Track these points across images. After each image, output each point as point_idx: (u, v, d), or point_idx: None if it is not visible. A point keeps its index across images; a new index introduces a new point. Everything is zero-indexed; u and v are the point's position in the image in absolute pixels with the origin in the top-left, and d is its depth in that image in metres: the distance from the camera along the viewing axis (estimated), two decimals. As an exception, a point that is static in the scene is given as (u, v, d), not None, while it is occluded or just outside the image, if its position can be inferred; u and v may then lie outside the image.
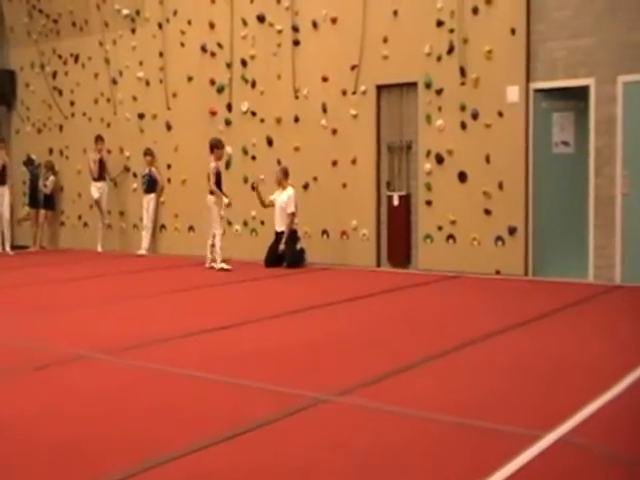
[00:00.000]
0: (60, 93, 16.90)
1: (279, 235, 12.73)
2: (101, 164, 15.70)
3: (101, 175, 15.74)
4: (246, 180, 13.80)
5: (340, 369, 5.90)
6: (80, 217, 16.68)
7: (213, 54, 14.34)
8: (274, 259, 12.69)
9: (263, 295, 10.11)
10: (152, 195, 15.17)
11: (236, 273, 11.98)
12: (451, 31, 11.68)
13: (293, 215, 12.56)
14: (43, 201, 16.67)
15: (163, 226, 15.28)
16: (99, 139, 15.72)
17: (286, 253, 12.59)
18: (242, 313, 8.42)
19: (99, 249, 15.81)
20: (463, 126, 11.64)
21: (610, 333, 7.23)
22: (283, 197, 12.71)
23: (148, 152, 15.09)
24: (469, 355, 6.31)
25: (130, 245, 15.69)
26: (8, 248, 16.01)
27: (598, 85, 10.60)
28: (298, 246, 12.72)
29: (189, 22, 14.62)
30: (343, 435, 4.40)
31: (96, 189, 15.68)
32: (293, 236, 12.68)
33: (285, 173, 12.80)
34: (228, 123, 14.16)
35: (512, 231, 11.21)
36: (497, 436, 4.33)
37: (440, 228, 11.87)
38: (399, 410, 4.78)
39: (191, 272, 12.55)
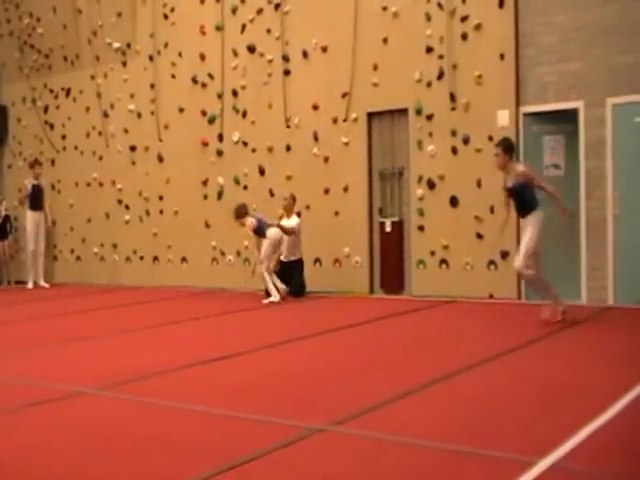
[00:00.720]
0: (52, 127, 16.93)
1: (284, 265, 12.69)
2: (39, 191, 15.57)
3: (39, 204, 15.65)
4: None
5: (336, 398, 5.84)
6: (73, 251, 16.63)
7: (204, 85, 14.40)
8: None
9: (258, 325, 10.06)
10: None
11: (233, 303, 11.93)
12: (441, 57, 11.76)
13: (292, 229, 12.47)
14: None
15: (156, 258, 15.24)
16: (36, 163, 15.66)
17: (293, 282, 12.53)
18: (238, 344, 8.36)
19: (34, 284, 15.84)
20: (454, 151, 11.68)
21: (602, 356, 7.19)
22: (291, 223, 12.63)
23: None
24: (463, 382, 6.26)
25: (122, 277, 15.64)
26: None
27: (587, 108, 10.66)
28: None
29: (180, 54, 14.70)
30: (340, 465, 4.35)
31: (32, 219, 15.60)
32: (301, 265, 12.66)
33: (295, 200, 12.78)
34: (220, 153, 14.19)
35: (504, 255, 11.20)
36: (492, 462, 4.28)
37: (433, 253, 11.86)
38: (394, 438, 4.73)
39: (186, 303, 12.50)
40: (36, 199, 15.68)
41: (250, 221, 12.27)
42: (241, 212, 12.42)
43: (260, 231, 12.23)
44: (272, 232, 12.16)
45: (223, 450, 4.64)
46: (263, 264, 12.13)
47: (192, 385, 6.42)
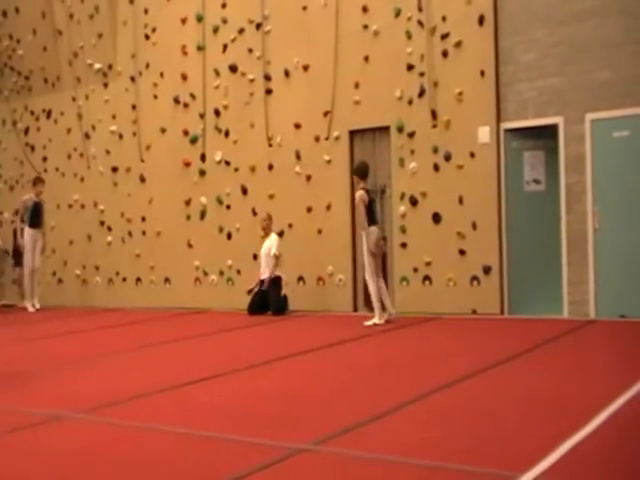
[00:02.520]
0: (32, 149, 16.88)
1: (262, 284, 12.68)
2: (40, 209, 15.34)
3: (39, 221, 15.34)
4: (221, 229, 13.79)
5: (318, 417, 5.80)
6: (54, 273, 16.53)
7: (186, 105, 14.40)
8: (258, 307, 12.65)
9: (240, 345, 10.00)
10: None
11: (216, 323, 11.89)
12: (421, 75, 11.81)
13: (276, 258, 12.53)
14: None
15: (139, 279, 15.17)
16: (39, 181, 15.40)
17: (271, 300, 12.54)
18: (220, 365, 8.30)
19: (35, 307, 15.48)
20: (436, 168, 11.70)
21: (584, 370, 7.19)
22: (266, 244, 12.74)
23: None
24: (445, 399, 6.22)
25: (105, 299, 15.56)
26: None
27: (567, 124, 10.73)
28: (282, 293, 12.70)
29: (161, 74, 14.71)
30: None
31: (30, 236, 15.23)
32: (278, 283, 12.65)
33: (271, 220, 12.83)
34: (202, 173, 14.18)
35: (487, 270, 11.22)
36: (473, 478, 4.26)
37: (416, 270, 11.86)
38: (377, 456, 4.69)
39: (169, 325, 12.43)
40: (37, 216, 15.35)
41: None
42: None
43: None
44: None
45: (205, 472, 4.59)
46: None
47: (172, 407, 6.36)
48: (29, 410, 6.42)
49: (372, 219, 10.90)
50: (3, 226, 17.30)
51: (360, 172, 11.17)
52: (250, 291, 12.85)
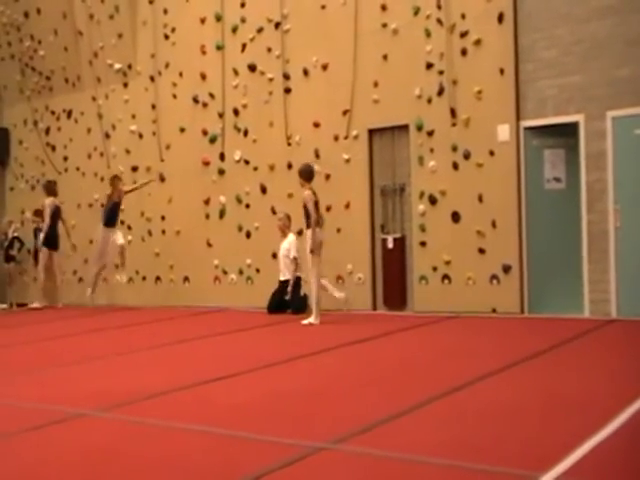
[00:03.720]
0: (53, 149, 16.99)
1: (282, 283, 12.71)
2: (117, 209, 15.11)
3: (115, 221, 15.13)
4: (240, 228, 13.82)
5: (337, 416, 5.78)
6: (75, 272, 16.62)
7: (205, 104, 14.44)
8: (277, 306, 12.67)
9: (259, 344, 10.00)
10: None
11: (234, 322, 11.90)
12: (441, 73, 11.78)
13: (296, 260, 12.54)
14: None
15: (158, 278, 15.23)
16: (117, 179, 14.96)
17: (292, 299, 12.57)
18: (239, 363, 8.30)
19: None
20: (455, 166, 11.67)
21: (604, 369, 7.13)
22: (285, 245, 12.74)
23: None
24: (464, 397, 6.19)
25: (124, 298, 15.62)
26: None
27: (587, 121, 10.67)
28: (302, 292, 12.70)
29: (180, 74, 14.75)
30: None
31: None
32: (297, 282, 12.66)
33: (289, 220, 12.82)
34: (221, 172, 14.20)
35: (507, 269, 11.18)
36: (492, 477, 4.23)
37: (435, 269, 11.84)
38: (396, 455, 4.67)
39: (188, 323, 12.46)
40: (114, 216, 15.24)
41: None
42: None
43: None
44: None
45: (223, 470, 4.59)
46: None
47: (192, 405, 6.37)
48: (50, 407, 6.44)
49: (317, 221, 11.14)
50: (25, 225, 17.39)
51: (304, 175, 11.42)
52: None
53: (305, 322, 11.16)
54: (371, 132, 12.62)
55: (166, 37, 14.99)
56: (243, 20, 13.91)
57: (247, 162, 13.89)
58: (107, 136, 15.97)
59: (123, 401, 6.53)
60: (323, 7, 12.96)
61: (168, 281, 15.10)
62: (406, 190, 12.32)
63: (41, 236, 15.73)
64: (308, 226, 11.14)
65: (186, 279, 14.80)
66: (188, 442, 5.25)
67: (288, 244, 12.73)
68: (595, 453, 4.56)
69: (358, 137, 12.65)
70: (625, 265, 10.36)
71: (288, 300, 12.60)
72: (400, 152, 12.39)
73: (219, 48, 14.22)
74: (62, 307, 15.86)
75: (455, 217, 11.68)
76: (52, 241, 15.73)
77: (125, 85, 15.69)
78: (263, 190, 13.67)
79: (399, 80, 12.14)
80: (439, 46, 11.80)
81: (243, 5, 13.91)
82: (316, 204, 11.18)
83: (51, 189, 15.71)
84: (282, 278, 12.74)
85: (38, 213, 16.71)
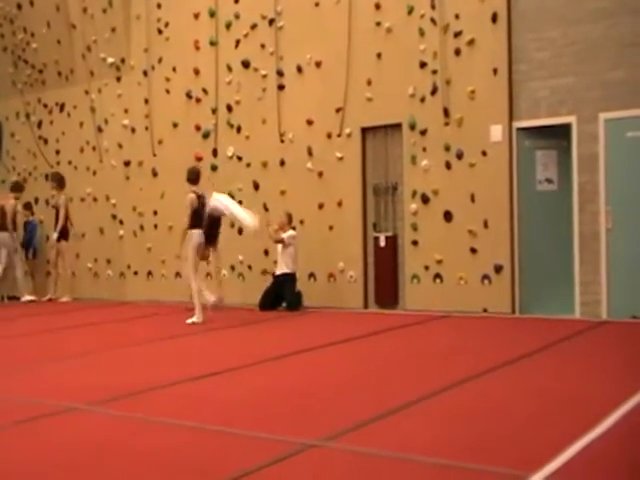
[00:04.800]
0: (45, 142, 16.94)
1: (277, 279, 12.70)
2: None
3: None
4: (232, 224, 13.81)
5: (329, 413, 5.81)
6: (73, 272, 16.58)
7: (198, 100, 14.43)
8: (270, 302, 12.66)
9: (251, 340, 10.03)
10: None
11: (226, 318, 11.90)
12: (434, 72, 11.80)
13: (283, 241, 12.52)
14: None
15: (150, 272, 15.22)
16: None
17: (287, 295, 12.57)
18: (230, 359, 8.34)
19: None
20: (448, 166, 11.70)
21: (595, 370, 7.19)
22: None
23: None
24: (455, 397, 6.24)
25: (116, 292, 15.61)
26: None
27: (580, 123, 10.70)
28: (296, 289, 12.71)
29: (174, 69, 14.73)
30: (332, 479, 4.34)
31: None
32: (293, 278, 12.64)
33: (290, 219, 12.80)
34: (214, 168, 14.19)
35: (498, 269, 11.22)
36: (483, 476, 4.27)
37: (427, 268, 11.87)
38: (387, 454, 4.71)
39: (180, 319, 12.44)
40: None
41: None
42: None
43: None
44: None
45: (214, 466, 4.62)
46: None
47: (184, 401, 6.39)
48: (40, 401, 6.46)
49: (197, 223, 11.53)
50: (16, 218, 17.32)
51: (189, 177, 11.92)
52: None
53: (189, 321, 11.38)
54: (364, 130, 12.63)
55: (159, 32, 14.96)
56: (237, 16, 13.89)
57: (240, 158, 13.89)
58: (100, 130, 15.94)
59: (114, 396, 6.55)
60: (317, 4, 12.96)
61: (160, 276, 15.09)
62: (398, 189, 12.34)
63: (56, 232, 15.63)
64: (190, 227, 11.47)
65: (178, 274, 14.78)
66: (178, 437, 5.28)
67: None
68: (585, 453, 4.60)
69: (351, 135, 12.67)
70: (616, 267, 10.41)
71: (283, 296, 12.60)
72: (393, 151, 12.40)
73: (213, 44, 14.20)
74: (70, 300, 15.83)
75: (447, 216, 11.72)
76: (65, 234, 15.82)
77: (118, 79, 15.65)
78: (256, 187, 13.67)
79: (393, 79, 12.16)
80: (433, 45, 11.82)
81: (237, 1, 13.88)
82: (203, 206, 11.56)
83: (64, 183, 15.71)
84: (277, 272, 12.72)
85: (28, 206, 16.70)
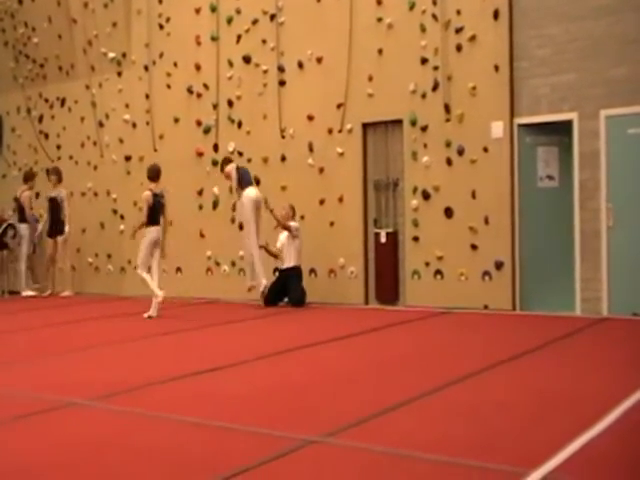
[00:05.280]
0: (46, 137, 16.93)
1: (283, 273, 12.68)
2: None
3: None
4: (233, 220, 13.82)
5: (329, 409, 5.82)
6: (73, 267, 16.58)
7: (199, 95, 14.42)
8: (276, 297, 12.66)
9: (252, 336, 10.04)
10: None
11: (227, 314, 11.92)
12: (435, 68, 11.79)
13: (290, 228, 12.52)
14: None
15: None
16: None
17: (292, 290, 12.53)
18: (232, 355, 8.34)
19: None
20: (449, 162, 11.70)
21: (595, 367, 7.19)
22: (282, 236, 12.67)
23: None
24: (456, 393, 6.25)
25: (117, 287, 15.61)
26: None
27: (581, 120, 10.70)
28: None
29: (175, 64, 14.72)
30: (333, 477, 4.34)
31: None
32: (299, 273, 12.61)
33: (293, 211, 12.78)
34: (215, 164, 14.17)
35: (499, 266, 11.22)
36: (483, 474, 4.28)
37: (427, 264, 11.87)
38: (388, 450, 4.71)
39: (180, 314, 12.46)
40: None
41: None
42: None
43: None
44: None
45: (215, 462, 4.63)
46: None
47: (184, 397, 6.40)
48: (39, 396, 6.47)
49: (153, 220, 11.85)
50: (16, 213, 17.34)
51: (148, 174, 12.19)
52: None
53: (145, 315, 11.68)
54: (365, 126, 12.62)
55: (161, 27, 14.94)
56: (238, 11, 13.87)
57: (241, 154, 13.87)
58: (101, 125, 15.93)
59: (113, 391, 6.56)
60: (318, 0, 12.94)
61: (160, 271, 15.03)
62: (399, 185, 12.33)
63: (67, 227, 15.79)
64: (146, 224, 11.82)
65: (178, 270, 14.79)
66: (178, 433, 5.29)
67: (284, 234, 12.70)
68: (586, 450, 4.61)
69: (352, 131, 12.66)
70: (617, 264, 10.41)
71: (287, 291, 12.59)
72: (394, 147, 12.40)
73: (214, 39, 14.19)
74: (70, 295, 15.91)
75: (448, 213, 11.71)
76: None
77: (119, 74, 15.63)
78: (257, 182, 13.62)
79: (394, 75, 12.14)
80: (434, 42, 11.81)
81: (239, -4, 13.90)
82: (155, 204, 11.86)
83: (62, 177, 15.79)
84: (281, 267, 12.70)
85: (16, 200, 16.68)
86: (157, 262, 12.06)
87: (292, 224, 12.55)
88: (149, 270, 11.98)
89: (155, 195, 11.91)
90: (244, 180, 12.67)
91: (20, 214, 16.14)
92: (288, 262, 12.59)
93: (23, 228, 16.04)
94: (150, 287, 11.78)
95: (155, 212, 11.83)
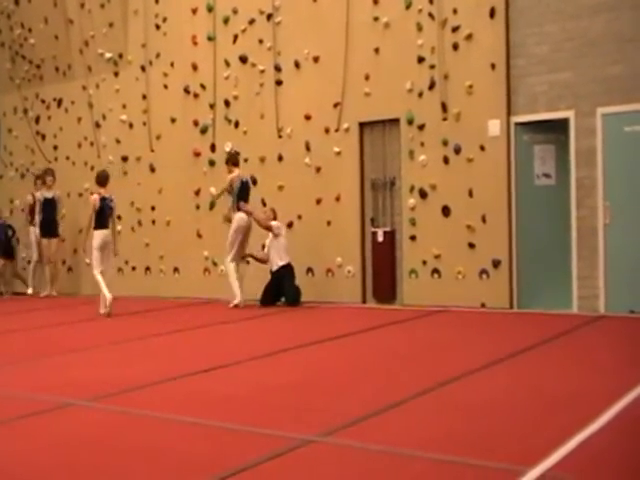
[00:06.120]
0: (43, 138, 16.93)
1: (274, 274, 12.65)
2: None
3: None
4: (230, 220, 13.78)
5: (327, 409, 5.82)
6: (64, 262, 16.60)
7: (196, 95, 14.42)
8: (271, 298, 12.65)
9: (249, 335, 10.03)
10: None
11: (224, 313, 11.92)
12: (432, 67, 11.79)
13: (272, 228, 12.53)
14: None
15: (148, 268, 15.22)
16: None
17: (286, 289, 12.53)
18: (229, 355, 8.34)
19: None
20: (446, 161, 11.69)
21: (593, 365, 7.19)
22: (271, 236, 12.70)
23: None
24: (453, 391, 6.24)
25: (114, 288, 15.57)
26: None
27: (578, 118, 10.70)
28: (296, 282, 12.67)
29: (172, 64, 14.72)
30: (331, 476, 4.34)
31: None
32: (292, 272, 12.59)
33: (274, 214, 12.78)
34: (212, 164, 14.18)
35: (496, 264, 11.22)
36: (481, 472, 4.27)
37: (425, 263, 11.87)
38: (386, 449, 4.71)
39: (178, 314, 12.47)
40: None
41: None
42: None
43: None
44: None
45: (212, 462, 4.62)
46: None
47: (182, 396, 6.39)
48: (37, 397, 6.46)
49: (101, 224, 12.24)
50: (14, 214, 17.35)
51: (97, 180, 12.57)
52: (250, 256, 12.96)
53: (101, 311, 12.14)
54: (362, 125, 12.63)
55: (157, 27, 14.94)
56: (235, 11, 13.88)
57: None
58: (97, 125, 15.92)
59: (110, 392, 6.55)
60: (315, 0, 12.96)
61: (158, 272, 15.09)
62: (396, 184, 12.33)
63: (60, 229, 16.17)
64: (93, 227, 12.25)
65: (176, 270, 14.80)
66: (175, 433, 5.28)
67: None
68: (583, 448, 4.60)
69: (349, 130, 12.66)
70: (614, 261, 10.41)
71: (283, 291, 12.59)
72: (391, 146, 12.40)
73: (210, 39, 14.19)
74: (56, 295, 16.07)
75: (445, 211, 11.71)
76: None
77: (116, 74, 15.63)
78: (253, 182, 13.63)
79: (390, 74, 12.15)
80: (431, 40, 11.81)
81: (235, -4, 13.89)
82: (102, 208, 12.19)
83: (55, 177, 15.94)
84: (273, 268, 12.69)
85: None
86: (108, 263, 12.48)
87: (273, 223, 12.55)
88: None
89: (103, 199, 12.26)
90: (241, 197, 12.57)
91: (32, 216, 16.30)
92: (278, 262, 12.58)
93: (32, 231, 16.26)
94: (101, 288, 12.12)
95: (103, 216, 12.24)
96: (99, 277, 12.13)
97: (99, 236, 12.17)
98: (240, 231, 12.44)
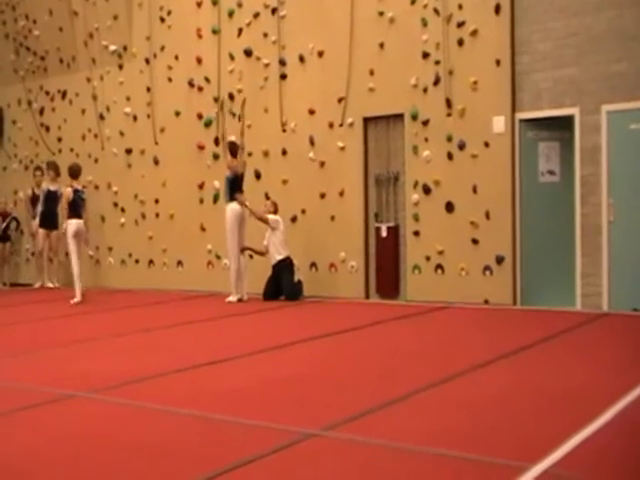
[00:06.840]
0: (47, 129, 16.92)
1: (274, 268, 12.64)
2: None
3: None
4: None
5: (329, 403, 5.83)
6: (67, 254, 16.57)
7: (200, 89, 14.40)
8: (273, 292, 12.65)
9: (252, 329, 10.04)
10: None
11: (227, 307, 11.93)
12: (437, 63, 11.77)
13: (268, 220, 12.51)
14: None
15: (151, 261, 15.23)
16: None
17: (284, 285, 12.53)
18: (231, 348, 8.34)
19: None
20: (450, 157, 11.68)
21: (596, 362, 7.20)
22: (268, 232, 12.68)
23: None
24: (456, 387, 6.25)
25: (117, 281, 15.62)
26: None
27: (583, 115, 10.68)
28: (296, 278, 12.63)
29: (176, 57, 14.70)
30: (332, 470, 4.35)
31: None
32: (290, 268, 12.59)
33: (276, 207, 12.76)
34: (216, 157, 14.17)
35: (500, 260, 11.22)
36: (483, 467, 4.28)
37: (428, 258, 11.87)
38: (387, 443, 4.72)
39: (180, 307, 12.48)
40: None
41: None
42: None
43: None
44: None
45: (214, 455, 4.63)
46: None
47: (184, 389, 6.41)
48: (40, 388, 6.48)
49: (74, 214, 13.00)
50: (17, 206, 17.36)
51: (70, 173, 13.30)
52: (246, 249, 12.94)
53: (72, 301, 12.81)
54: (366, 120, 12.61)
55: (162, 20, 14.91)
56: (239, 5, 13.85)
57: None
58: (101, 118, 15.92)
59: (113, 384, 6.57)
60: (320, -7, 12.95)
61: (161, 265, 15.10)
62: (400, 179, 12.33)
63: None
64: (67, 217, 13.06)
65: (179, 263, 14.80)
66: (178, 426, 5.29)
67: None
68: (586, 445, 4.61)
69: (353, 125, 12.65)
70: (618, 259, 10.41)
71: (282, 286, 12.58)
72: (395, 141, 12.39)
73: (215, 32, 14.17)
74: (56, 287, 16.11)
75: (449, 207, 11.71)
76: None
77: (120, 67, 15.62)
78: (257, 176, 13.65)
79: (395, 69, 12.13)
80: (436, 36, 11.79)
81: (240, -10, 13.87)
82: (75, 199, 12.94)
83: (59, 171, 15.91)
84: (273, 262, 12.68)
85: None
86: (81, 251, 13.29)
87: (270, 217, 12.54)
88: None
89: (76, 191, 13.04)
90: (233, 192, 12.58)
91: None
92: (277, 255, 12.56)
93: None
94: (74, 276, 13.06)
95: (76, 206, 12.99)
96: (77, 268, 12.97)
97: (73, 225, 12.92)
98: (236, 220, 12.48)
